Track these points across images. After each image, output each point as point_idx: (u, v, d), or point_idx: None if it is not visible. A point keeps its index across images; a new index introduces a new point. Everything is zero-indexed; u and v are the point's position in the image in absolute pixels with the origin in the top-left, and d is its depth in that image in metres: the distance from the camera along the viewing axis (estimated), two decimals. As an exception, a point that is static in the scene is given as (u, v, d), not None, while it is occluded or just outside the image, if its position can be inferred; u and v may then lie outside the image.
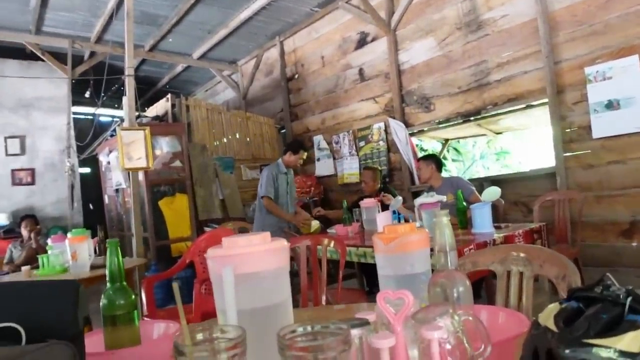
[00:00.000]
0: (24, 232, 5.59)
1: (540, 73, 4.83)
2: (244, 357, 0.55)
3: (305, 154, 5.02)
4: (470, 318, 0.75)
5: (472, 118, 5.63)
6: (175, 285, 0.57)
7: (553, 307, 0.73)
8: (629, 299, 0.67)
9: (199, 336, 0.57)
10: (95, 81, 8.45)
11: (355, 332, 0.71)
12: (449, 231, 0.89)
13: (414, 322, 0.72)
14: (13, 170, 7.99)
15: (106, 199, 7.65)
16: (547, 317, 0.70)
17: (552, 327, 0.67)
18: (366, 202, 4.27)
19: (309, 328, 0.55)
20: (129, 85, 5.32)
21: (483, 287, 3.63)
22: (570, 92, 4.64)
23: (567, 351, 0.61)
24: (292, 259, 3.18)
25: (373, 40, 6.73)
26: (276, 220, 4.73)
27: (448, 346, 0.71)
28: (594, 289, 0.73)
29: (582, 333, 0.63)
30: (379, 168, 5.60)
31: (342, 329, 0.53)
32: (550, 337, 0.65)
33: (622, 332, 0.61)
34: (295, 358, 0.51)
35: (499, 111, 5.32)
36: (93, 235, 3.83)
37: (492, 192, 3.54)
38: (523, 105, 5.09)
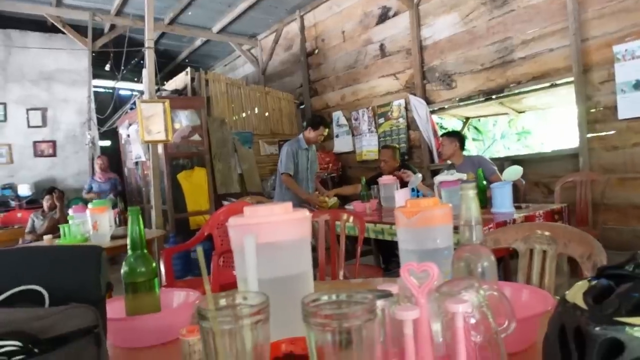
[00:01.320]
0: (46, 203, 5.67)
1: (566, 51, 4.71)
2: (267, 324, 0.55)
3: (327, 130, 4.94)
4: (495, 293, 0.74)
5: (494, 96, 5.53)
6: (200, 250, 0.56)
7: (582, 285, 0.71)
8: (662, 277, 0.65)
9: (222, 302, 0.57)
10: (115, 54, 8.48)
11: (378, 304, 0.70)
12: (475, 205, 0.87)
13: (438, 295, 0.71)
14: (35, 142, 8.10)
15: (126, 172, 7.72)
16: (576, 294, 0.69)
17: (581, 304, 0.65)
18: (384, 179, 4.25)
19: (333, 297, 0.54)
20: (149, 57, 5.31)
21: (500, 268, 3.60)
22: (597, 71, 4.52)
23: (597, 329, 0.59)
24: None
25: (395, 15, 6.62)
26: (295, 196, 4.74)
27: (472, 320, 0.69)
28: (625, 267, 0.71)
29: (613, 311, 0.61)
30: (398, 147, 5.53)
31: (368, 298, 0.52)
32: (579, 314, 0.63)
33: (654, 311, 0.59)
34: (320, 325, 0.50)
35: (523, 90, 5.22)
36: (113, 207, 3.87)
37: (514, 172, 3.48)
38: (547, 84, 4.98)
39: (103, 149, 9.07)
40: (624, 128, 4.38)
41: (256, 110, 7.89)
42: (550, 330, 0.71)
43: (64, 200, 5.69)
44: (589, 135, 4.61)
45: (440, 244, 1.04)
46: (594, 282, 0.70)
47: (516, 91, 5.29)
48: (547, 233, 1.33)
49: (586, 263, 1.20)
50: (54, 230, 4.98)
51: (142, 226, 1.16)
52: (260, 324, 0.53)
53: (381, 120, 6.95)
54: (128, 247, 1.15)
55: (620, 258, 0.73)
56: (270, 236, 0.86)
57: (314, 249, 2.68)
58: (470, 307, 0.68)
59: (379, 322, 0.72)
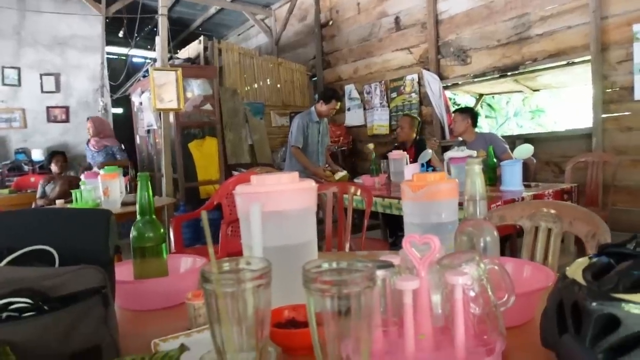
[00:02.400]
0: (54, 167, 5.74)
1: (585, 28, 4.62)
2: (268, 288, 0.56)
3: (339, 104, 4.90)
4: (496, 267, 0.75)
5: (509, 73, 5.45)
6: (204, 214, 0.58)
7: (582, 261, 0.72)
8: (663, 257, 0.65)
9: (226, 266, 0.58)
10: (128, 21, 8.43)
11: (378, 274, 0.72)
12: (480, 180, 0.88)
13: (439, 267, 0.72)
14: (48, 108, 8.13)
15: (137, 139, 7.75)
16: (575, 270, 0.69)
17: (580, 280, 0.66)
18: (394, 154, 4.24)
19: (334, 264, 0.56)
20: (162, 25, 5.29)
21: (507, 247, 3.61)
22: (615, 50, 4.44)
23: (594, 304, 0.60)
24: (318, 206, 3.20)
25: (412, -13, 6.50)
26: (304, 169, 4.76)
27: (472, 293, 0.71)
28: (627, 245, 0.72)
29: (612, 287, 0.62)
30: (418, 118, 5.46)
31: (368, 266, 0.53)
32: (577, 289, 0.64)
33: (652, 289, 0.60)
34: (320, 291, 0.51)
35: (538, 67, 5.15)
36: (124, 174, 3.91)
37: (525, 150, 3.46)
38: (564, 62, 4.90)
39: (115, 115, 9.10)
40: (639, 109, 4.31)
41: (268, 81, 7.85)
42: (549, 305, 0.72)
43: (67, 164, 5.78)
44: (604, 115, 4.55)
45: (445, 218, 1.04)
46: (594, 260, 0.70)
47: (531, 69, 5.21)
48: (552, 211, 1.33)
49: (590, 242, 1.21)
50: (65, 195, 5.04)
51: (150, 192, 1.17)
52: (262, 288, 0.55)
53: (393, 95, 6.89)
54: (137, 212, 1.17)
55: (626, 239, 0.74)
56: (276, 205, 0.88)
57: (322, 221, 2.70)
58: (470, 280, 0.69)
59: (380, 292, 0.73)
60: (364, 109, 7.40)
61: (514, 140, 5.01)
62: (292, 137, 4.80)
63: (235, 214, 3.25)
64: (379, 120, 7.11)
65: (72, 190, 3.56)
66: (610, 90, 4.50)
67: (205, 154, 6.52)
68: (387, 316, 0.74)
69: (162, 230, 1.17)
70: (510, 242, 3.49)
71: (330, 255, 1.71)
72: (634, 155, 4.36)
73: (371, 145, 4.72)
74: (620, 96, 4.44)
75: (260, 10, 9.24)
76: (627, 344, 0.58)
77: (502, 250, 3.38)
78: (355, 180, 4.46)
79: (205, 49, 7.41)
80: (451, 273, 0.68)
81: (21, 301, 0.69)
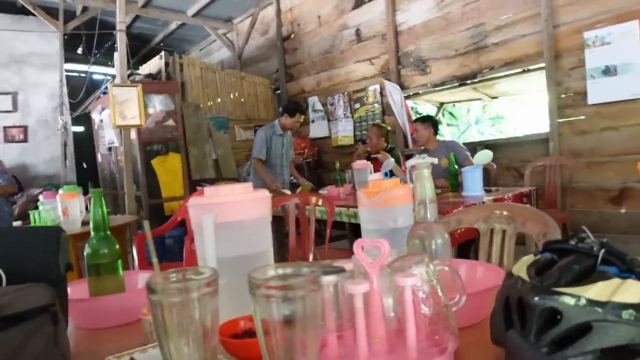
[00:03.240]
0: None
1: (538, 37, 4.77)
2: (215, 297, 0.56)
3: (303, 117, 4.95)
4: (446, 268, 0.76)
5: (468, 81, 5.58)
6: (146, 222, 0.57)
7: (527, 259, 0.74)
8: (602, 250, 0.67)
9: (173, 277, 0.58)
10: (87, 38, 8.30)
11: (330, 279, 0.72)
12: (430, 184, 0.89)
13: (389, 270, 0.73)
14: (5, 127, 7.92)
15: (99, 157, 7.61)
16: (520, 267, 0.71)
17: (525, 276, 0.67)
18: (358, 164, 4.27)
19: (280, 270, 0.56)
20: (121, 41, 5.23)
21: (472, 250, 3.66)
22: (568, 57, 4.59)
23: (535, 299, 0.62)
24: (282, 218, 3.20)
25: (370, 0, 6.60)
26: (277, 180, 4.78)
27: (422, 294, 0.72)
28: (569, 241, 0.74)
29: (553, 282, 0.64)
30: (387, 127, 5.50)
31: (313, 270, 0.54)
32: (521, 285, 0.66)
33: (592, 282, 0.62)
34: (265, 297, 0.51)
35: (496, 75, 5.28)
36: (85, 193, 3.82)
37: (484, 156, 3.54)
38: (520, 70, 5.04)
39: (76, 134, 8.92)
40: (592, 113, 4.46)
41: (232, 95, 7.83)
42: (497, 303, 0.74)
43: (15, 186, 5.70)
44: (559, 120, 4.69)
45: (400, 223, 1.06)
46: (538, 256, 0.73)
47: (489, 77, 5.34)
48: (505, 213, 1.37)
49: (542, 241, 1.24)
50: (24, 216, 4.92)
51: (104, 208, 1.16)
52: (209, 297, 0.54)
53: (357, 106, 6.96)
54: (91, 229, 1.15)
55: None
56: (230, 215, 0.87)
57: (286, 235, 2.70)
58: (419, 281, 0.70)
59: (333, 297, 0.74)
60: (328, 120, 7.44)
61: (475, 147, 5.11)
62: (254, 149, 4.80)
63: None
64: (344, 131, 7.17)
65: (29, 211, 3.47)
66: (564, 95, 4.65)
67: (169, 170, 6.44)
68: (341, 321, 0.75)
69: (117, 246, 1.15)
70: (474, 245, 3.55)
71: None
72: (589, 158, 4.50)
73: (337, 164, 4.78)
74: (574, 101, 4.58)
75: (221, 25, 9.24)
76: (570, 336, 0.59)
77: (467, 254, 3.45)
78: (321, 191, 4.48)
79: (167, 64, 7.35)
80: (400, 275, 0.69)
81: (-36, 323, 0.67)
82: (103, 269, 1.12)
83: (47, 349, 0.72)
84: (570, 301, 0.60)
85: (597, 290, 0.61)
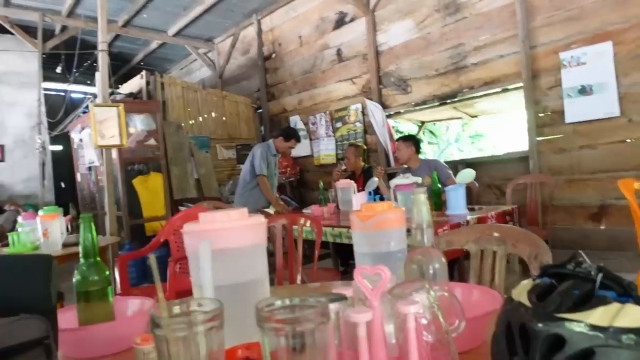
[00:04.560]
0: None
1: (516, 57, 4.87)
2: (221, 330, 0.55)
3: (297, 144, 5.04)
4: (446, 294, 0.76)
5: (448, 101, 5.66)
6: (152, 257, 0.56)
7: (526, 284, 0.74)
8: (600, 275, 0.68)
9: (176, 309, 0.57)
10: (67, 57, 8.24)
11: (331, 307, 0.72)
12: (426, 208, 0.90)
13: (390, 297, 0.73)
14: (-19, 147, 7.79)
15: (78, 177, 7.51)
16: (520, 292, 0.72)
17: (526, 302, 0.68)
18: (341, 183, 4.28)
19: (287, 301, 0.55)
20: (103, 61, 5.19)
21: (456, 269, 3.68)
22: (545, 77, 4.69)
23: (540, 325, 0.62)
24: (268, 238, 3.17)
25: (351, 20, 6.69)
26: (259, 199, 4.74)
27: (424, 321, 0.71)
28: (567, 265, 0.75)
29: (555, 308, 0.64)
30: (364, 146, 5.54)
31: (320, 301, 0.53)
32: (523, 312, 0.66)
33: (592, 307, 0.63)
34: (274, 330, 0.50)
35: (475, 94, 5.37)
36: (65, 214, 3.76)
37: (467, 174, 3.58)
38: (499, 89, 5.13)
39: (54, 153, 8.80)
40: (570, 132, 4.55)
41: (213, 114, 7.81)
42: (498, 328, 0.74)
43: None
44: (539, 138, 4.77)
45: (394, 247, 1.06)
46: (537, 281, 0.73)
47: (469, 96, 5.43)
48: (496, 234, 1.38)
49: (533, 262, 1.25)
50: (1, 237, 4.81)
51: (94, 234, 1.14)
52: (214, 330, 0.54)
53: (339, 125, 7.00)
54: (80, 255, 1.12)
55: (567, 257, 0.77)
56: (225, 242, 0.87)
57: (272, 254, 2.68)
58: (422, 308, 0.70)
59: (334, 325, 0.73)
60: (310, 139, 7.47)
61: (456, 165, 5.17)
62: (257, 166, 4.75)
63: (183, 251, 3.17)
64: (326, 150, 7.19)
65: (8, 233, 3.39)
66: (542, 114, 4.74)
67: (151, 190, 6.38)
68: (342, 349, 0.74)
69: (107, 272, 1.13)
70: (459, 264, 3.56)
71: (282, 289, 1.69)
72: (569, 175, 4.58)
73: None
74: (552, 120, 4.67)
75: (202, 45, 9.25)
76: (573, 361, 0.60)
77: (451, 273, 3.45)
78: (304, 211, 4.47)
79: (148, 83, 7.32)
80: (403, 302, 0.69)
81: (-45, 358, 0.65)
82: (93, 296, 1.10)
83: (41, 384, 0.70)
84: (574, 327, 0.61)
85: (598, 316, 0.62)
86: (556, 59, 4.56)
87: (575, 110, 4.47)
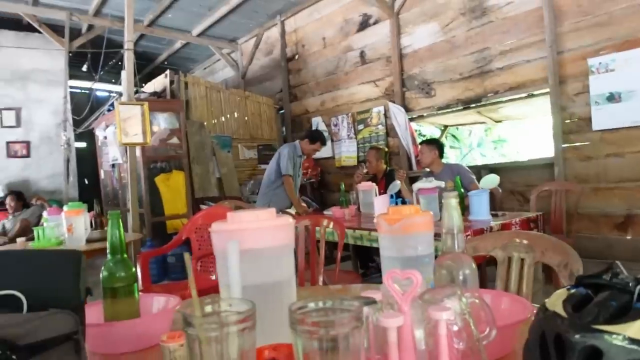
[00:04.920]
0: (8, 206, 5.69)
1: (542, 62, 4.80)
2: (253, 331, 0.54)
3: (322, 147, 5.04)
4: (477, 301, 0.75)
5: (472, 105, 5.61)
6: (187, 255, 0.56)
7: (561, 293, 0.73)
8: (639, 287, 0.66)
9: (208, 308, 0.56)
10: (92, 55, 8.37)
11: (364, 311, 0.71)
12: (457, 213, 0.89)
13: (421, 302, 0.71)
14: (8, 143, 7.94)
15: (102, 174, 7.61)
16: (555, 302, 0.70)
17: (561, 312, 0.66)
18: (363, 186, 4.26)
19: (320, 304, 0.55)
20: (128, 59, 5.26)
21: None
22: (572, 83, 4.62)
23: (577, 336, 0.61)
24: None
25: (375, 22, 6.67)
26: (283, 199, 4.75)
27: (455, 328, 0.70)
28: (603, 276, 0.73)
29: (592, 319, 0.62)
30: (386, 149, 5.52)
31: (354, 305, 0.53)
32: (559, 322, 0.65)
33: (631, 320, 0.61)
34: (307, 333, 0.50)
35: (500, 99, 5.31)
36: (89, 210, 3.81)
37: (491, 180, 3.54)
38: (524, 95, 5.07)
39: (79, 150, 8.94)
40: (597, 139, 4.47)
41: (235, 114, 7.86)
42: (531, 337, 0.72)
43: (22, 202, 5.73)
44: (564, 145, 4.70)
45: (421, 251, 1.04)
46: (572, 291, 0.71)
47: (493, 100, 5.37)
48: (525, 241, 1.36)
49: (563, 271, 1.23)
50: (27, 232, 4.90)
51: (122, 230, 1.14)
52: (247, 332, 0.53)
53: (360, 127, 6.98)
54: (107, 251, 1.13)
55: (594, 266, 0.75)
56: (254, 242, 0.86)
57: (294, 255, 2.67)
58: (453, 315, 0.68)
59: (364, 329, 0.72)
60: (332, 140, 7.46)
61: (479, 170, 5.11)
62: (282, 165, 4.76)
63: (204, 249, 3.18)
64: (347, 152, 7.18)
65: (34, 228, 3.45)
66: (569, 121, 4.67)
67: (172, 188, 6.43)
68: (370, 353, 0.73)
69: (133, 269, 1.14)
70: (480, 271, 3.52)
71: (304, 290, 1.69)
72: (594, 184, 4.50)
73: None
74: (578, 127, 4.60)
75: (226, 45, 9.32)
76: (610, 375, 0.58)
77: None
78: (325, 212, 4.46)
79: (172, 82, 7.39)
80: (434, 308, 0.68)
81: (-12, 351, 0.65)
82: (119, 292, 1.10)
83: (70, 378, 0.70)
84: (612, 339, 0.59)
85: (637, 328, 0.60)
86: (584, 65, 4.49)
87: (603, 118, 4.39)
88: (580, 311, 0.65)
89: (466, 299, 0.72)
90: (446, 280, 0.86)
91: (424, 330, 0.73)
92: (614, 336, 0.59)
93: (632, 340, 0.59)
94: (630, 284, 0.67)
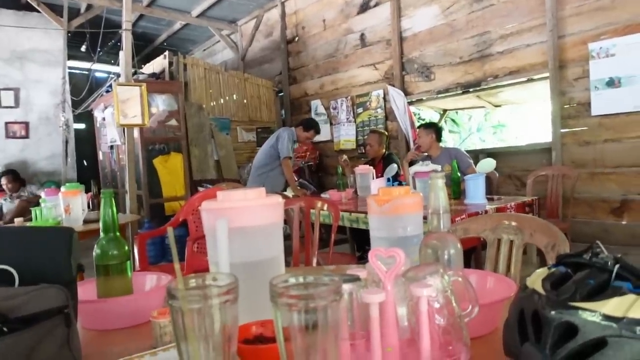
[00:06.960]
0: (5, 187, 5.69)
1: (543, 47, 4.78)
2: (235, 304, 0.56)
3: (316, 136, 5.14)
4: (460, 279, 0.77)
5: (471, 89, 5.59)
6: (171, 230, 0.57)
7: (541, 272, 0.74)
8: (617, 266, 0.68)
9: (192, 282, 0.58)
10: (91, 36, 8.32)
11: (345, 287, 0.72)
12: (443, 193, 0.90)
13: (404, 279, 0.73)
14: (7, 123, 7.92)
15: (100, 155, 7.61)
16: (535, 280, 0.72)
17: (540, 289, 0.68)
18: (361, 169, 4.28)
19: (301, 279, 0.56)
20: (127, 40, 5.23)
21: (472, 258, 3.67)
22: (572, 68, 4.60)
23: (552, 313, 0.62)
24: (285, 221, 3.20)
25: (376, 5, 6.61)
26: (276, 182, 4.77)
27: (436, 305, 0.72)
28: (583, 255, 0.74)
29: (569, 296, 0.64)
30: (386, 133, 5.54)
31: (334, 280, 0.54)
32: (537, 299, 0.66)
33: (607, 297, 0.62)
34: (287, 305, 0.51)
35: (500, 83, 5.29)
36: (87, 191, 3.83)
37: (487, 164, 3.55)
38: (524, 79, 5.05)
39: (77, 131, 8.93)
40: (596, 124, 4.47)
41: (234, 96, 7.83)
42: (510, 314, 0.74)
43: (19, 182, 5.73)
44: (562, 130, 4.70)
45: (410, 231, 1.06)
46: (553, 269, 0.73)
47: (493, 85, 5.35)
48: (513, 223, 1.37)
49: (550, 253, 1.24)
50: (24, 212, 4.91)
51: (114, 209, 1.16)
52: (229, 304, 0.55)
53: (360, 110, 6.97)
54: (100, 229, 1.15)
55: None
56: (243, 220, 0.88)
57: (288, 237, 2.70)
58: (434, 292, 0.70)
59: (347, 306, 0.74)
60: (331, 124, 7.45)
61: (477, 155, 5.12)
62: (283, 148, 4.78)
63: (201, 230, 3.21)
64: (346, 136, 7.17)
65: (31, 208, 3.47)
66: (568, 106, 4.66)
67: (171, 170, 6.44)
68: (354, 329, 0.75)
69: (126, 247, 1.15)
70: (475, 254, 3.55)
71: (297, 270, 1.71)
72: (592, 169, 4.51)
73: (344, 156, 4.79)
74: (577, 112, 4.59)
75: (226, 26, 9.25)
76: (585, 350, 0.60)
77: (468, 262, 3.45)
78: (322, 195, 4.48)
79: (170, 64, 7.35)
80: (416, 285, 0.69)
81: (-21, 323, 0.67)
82: (112, 270, 1.12)
83: (61, 351, 0.72)
84: (587, 316, 0.60)
85: (613, 306, 0.61)
86: (584, 50, 4.47)
87: (602, 103, 4.38)
88: (558, 289, 0.67)
89: (448, 276, 0.74)
90: (431, 259, 0.88)
91: (407, 307, 0.75)
92: (590, 313, 0.61)
93: (607, 317, 0.60)
94: (609, 263, 0.69)
